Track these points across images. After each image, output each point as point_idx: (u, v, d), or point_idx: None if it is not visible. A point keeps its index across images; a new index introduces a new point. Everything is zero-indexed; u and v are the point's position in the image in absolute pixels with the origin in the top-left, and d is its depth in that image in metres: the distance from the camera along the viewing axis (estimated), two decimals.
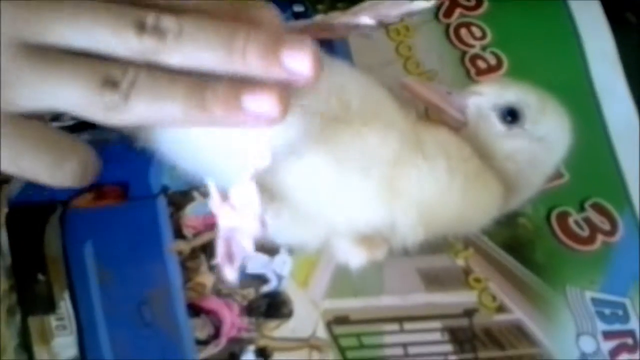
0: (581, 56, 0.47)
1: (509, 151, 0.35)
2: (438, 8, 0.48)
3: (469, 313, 0.38)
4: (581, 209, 0.41)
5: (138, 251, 0.38)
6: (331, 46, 0.40)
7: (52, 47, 0.30)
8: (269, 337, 0.37)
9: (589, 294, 0.39)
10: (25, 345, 0.36)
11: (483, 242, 0.39)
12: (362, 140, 0.33)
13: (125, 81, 0.29)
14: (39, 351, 0.36)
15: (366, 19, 0.36)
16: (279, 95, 0.29)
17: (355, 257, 0.34)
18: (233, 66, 0.29)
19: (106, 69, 0.29)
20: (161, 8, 0.30)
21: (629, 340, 0.38)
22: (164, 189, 0.40)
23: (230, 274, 0.31)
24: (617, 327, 0.38)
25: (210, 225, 0.35)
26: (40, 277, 0.37)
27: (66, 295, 0.36)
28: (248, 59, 0.29)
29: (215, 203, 0.31)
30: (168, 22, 0.29)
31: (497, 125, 0.35)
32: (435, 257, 0.39)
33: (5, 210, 0.38)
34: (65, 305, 0.36)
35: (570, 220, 0.41)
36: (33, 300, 0.36)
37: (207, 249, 0.38)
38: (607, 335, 0.38)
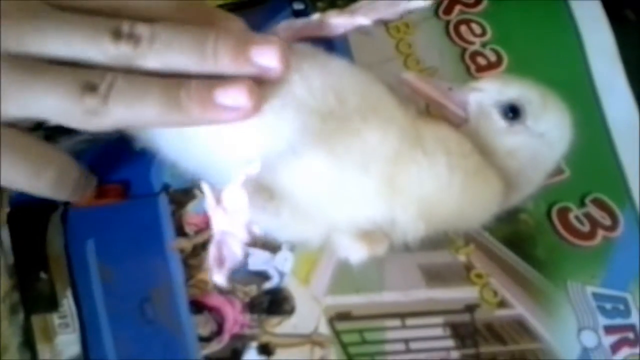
0: (581, 53, 0.47)
1: (510, 147, 0.35)
2: (438, 5, 0.48)
3: (470, 308, 0.38)
4: (582, 204, 0.41)
5: (140, 249, 0.38)
6: (331, 43, 0.40)
7: (34, 56, 0.31)
8: (271, 334, 0.37)
9: (590, 289, 0.39)
10: (28, 343, 0.36)
11: (484, 238, 0.39)
12: (361, 137, 0.33)
13: (104, 85, 0.30)
14: (42, 349, 0.36)
15: (363, 20, 0.36)
16: (249, 87, 0.31)
17: (356, 253, 0.34)
18: (206, 66, 0.31)
19: (85, 76, 0.31)
20: (135, 17, 0.32)
21: (630, 335, 0.38)
22: (165, 187, 0.40)
23: (220, 278, 0.31)
24: (618, 321, 0.38)
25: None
26: (43, 275, 0.37)
27: (69, 293, 0.36)
28: (219, 59, 0.31)
29: (209, 206, 0.32)
30: (142, 28, 0.31)
31: (498, 122, 0.35)
32: (437, 253, 0.39)
33: (7, 209, 0.38)
34: (67, 303, 0.36)
35: (571, 216, 0.41)
36: (36, 299, 0.36)
37: (209, 246, 0.38)
38: (609, 329, 0.38)
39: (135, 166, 0.40)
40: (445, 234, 0.37)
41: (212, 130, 0.34)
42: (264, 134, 0.34)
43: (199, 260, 0.38)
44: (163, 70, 0.32)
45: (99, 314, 0.36)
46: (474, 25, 0.48)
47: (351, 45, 0.45)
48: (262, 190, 0.34)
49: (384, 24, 0.46)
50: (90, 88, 0.31)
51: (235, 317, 0.36)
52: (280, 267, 0.38)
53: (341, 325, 0.37)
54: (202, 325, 0.37)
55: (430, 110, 0.38)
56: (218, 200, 0.32)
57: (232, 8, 0.47)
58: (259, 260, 0.38)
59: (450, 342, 0.37)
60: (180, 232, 0.39)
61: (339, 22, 0.38)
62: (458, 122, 0.37)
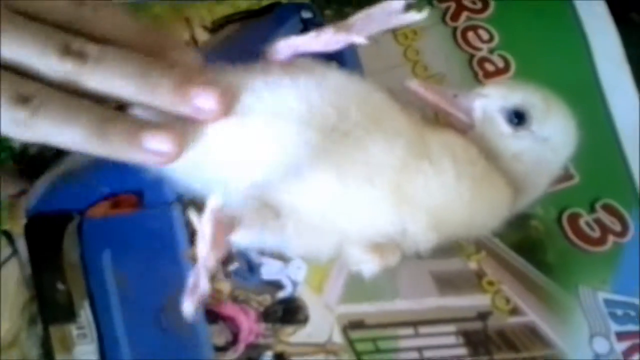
0: (588, 57, 0.47)
1: (516, 152, 0.36)
2: (445, 11, 0.48)
3: (482, 316, 0.38)
4: (592, 210, 0.42)
5: (155, 258, 0.38)
6: (339, 52, 0.40)
7: None
8: (285, 343, 0.37)
9: (601, 295, 0.39)
10: (47, 354, 0.36)
11: (495, 245, 0.40)
12: (366, 149, 0.33)
13: (37, 99, 0.31)
14: None
15: (357, 38, 0.36)
16: (175, 136, 0.31)
17: (368, 265, 0.34)
18: (143, 98, 0.32)
19: (23, 86, 0.31)
20: (92, 36, 0.32)
21: None
22: (179, 197, 0.40)
23: (187, 307, 0.32)
24: (630, 327, 0.39)
25: None
26: (60, 286, 0.37)
27: (86, 303, 0.37)
28: (158, 93, 0.31)
29: (198, 231, 0.32)
30: (91, 48, 0.31)
31: (504, 127, 0.36)
32: (448, 260, 0.39)
33: (23, 220, 0.39)
34: (85, 313, 0.36)
35: (581, 222, 0.41)
36: (54, 310, 0.37)
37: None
38: (620, 336, 0.39)
39: (148, 176, 0.40)
40: (456, 241, 0.38)
41: (217, 149, 0.34)
42: (268, 153, 0.34)
43: (214, 270, 0.38)
44: (102, 93, 0.32)
45: (115, 324, 0.36)
46: (481, 31, 0.48)
47: (359, 52, 0.45)
48: (266, 208, 0.34)
49: (392, 31, 0.47)
50: (23, 100, 0.31)
51: (250, 326, 0.37)
52: (293, 276, 0.38)
53: (355, 334, 0.37)
54: (217, 334, 0.37)
55: (438, 116, 0.38)
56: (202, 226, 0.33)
57: (242, 17, 0.47)
58: (272, 269, 0.38)
59: (463, 350, 0.38)
60: (194, 241, 0.39)
61: (335, 39, 0.38)
62: (464, 128, 0.37)
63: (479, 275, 0.39)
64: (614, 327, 0.39)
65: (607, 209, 0.42)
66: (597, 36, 0.48)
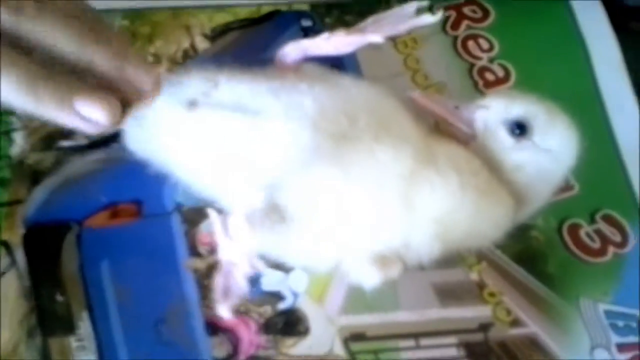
0: (588, 66, 0.47)
1: (518, 163, 0.36)
2: (445, 20, 0.48)
3: (484, 327, 0.38)
4: (592, 220, 0.42)
5: (154, 269, 0.38)
6: (339, 59, 0.40)
7: None
8: (286, 355, 0.37)
9: (602, 307, 0.39)
10: None
11: (496, 256, 0.39)
12: (375, 157, 0.33)
13: None
14: None
15: (374, 37, 0.36)
16: (111, 105, 0.29)
17: (369, 278, 0.34)
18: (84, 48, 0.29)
19: None
20: None
21: None
22: (178, 206, 0.40)
23: (224, 311, 0.32)
24: (630, 339, 0.39)
25: None
26: (59, 297, 0.37)
27: (85, 315, 0.36)
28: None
29: (217, 233, 0.32)
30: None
31: (506, 138, 0.36)
32: (449, 271, 0.39)
33: (21, 230, 0.38)
34: (84, 325, 0.36)
35: (582, 232, 0.41)
36: (53, 322, 0.36)
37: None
38: (621, 347, 0.38)
39: (148, 186, 0.40)
40: (458, 252, 0.37)
41: (226, 152, 0.34)
42: (277, 157, 0.34)
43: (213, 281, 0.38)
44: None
45: (115, 335, 0.36)
46: (481, 41, 0.48)
47: (359, 60, 0.45)
48: (273, 211, 0.34)
49: (392, 39, 0.46)
50: None
51: (250, 338, 0.37)
52: (294, 287, 0.38)
53: (356, 346, 0.37)
54: (218, 346, 0.37)
55: (440, 126, 0.38)
56: (225, 229, 0.32)
57: (242, 25, 0.47)
58: (272, 280, 0.38)
59: None
60: (194, 251, 0.39)
61: (348, 40, 0.38)
62: (466, 140, 0.37)
63: (480, 286, 0.39)
64: (615, 339, 0.39)
65: (607, 219, 0.42)
66: (596, 45, 0.48)
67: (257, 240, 0.32)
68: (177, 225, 0.39)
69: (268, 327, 0.37)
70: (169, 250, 0.39)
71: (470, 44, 0.48)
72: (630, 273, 0.40)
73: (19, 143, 0.41)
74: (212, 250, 0.39)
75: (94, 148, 0.41)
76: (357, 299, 0.38)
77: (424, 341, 0.38)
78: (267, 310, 0.38)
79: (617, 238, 0.41)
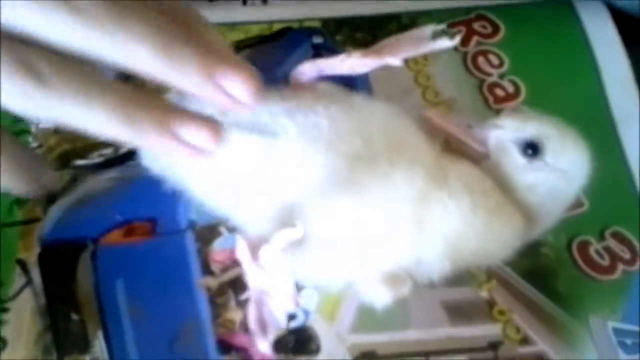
0: (598, 83, 0.47)
1: (530, 183, 0.36)
2: (451, 34, 0.48)
3: (493, 346, 0.38)
4: (601, 237, 0.42)
5: (168, 287, 0.38)
6: (350, 76, 0.40)
7: None
8: None
9: (610, 324, 0.39)
10: None
11: (506, 273, 0.40)
12: (388, 179, 0.34)
13: (47, 68, 0.26)
14: None
15: (391, 60, 0.37)
16: (214, 129, 0.28)
17: (380, 297, 0.34)
18: (164, 69, 0.27)
19: (27, 51, 0.26)
20: None
21: None
22: (191, 224, 0.40)
23: (265, 347, 0.32)
24: (638, 357, 0.39)
25: (237, 260, 0.35)
26: (74, 316, 0.37)
27: (100, 333, 0.37)
28: (185, 68, 0.27)
29: (244, 260, 0.32)
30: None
31: (518, 158, 0.36)
32: (459, 289, 0.39)
33: (37, 249, 0.39)
34: (99, 343, 0.37)
35: (591, 250, 0.41)
36: (68, 340, 0.37)
37: (235, 285, 0.38)
38: None
39: (162, 204, 0.40)
40: (468, 270, 0.38)
41: (241, 172, 0.35)
42: (293, 179, 0.34)
43: (226, 299, 0.38)
44: (119, 59, 0.27)
45: (129, 354, 0.37)
46: (491, 57, 0.48)
47: (370, 77, 0.45)
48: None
49: None
50: (29, 68, 0.26)
51: (262, 357, 0.37)
52: (304, 305, 0.38)
53: None
54: None
55: (451, 144, 0.38)
56: (254, 255, 0.33)
57: (253, 43, 0.48)
58: None
59: None
60: (207, 269, 0.39)
61: (365, 62, 0.38)
62: (478, 159, 0.37)
63: (490, 304, 0.39)
64: (623, 357, 0.39)
65: (617, 236, 0.42)
66: (607, 61, 0.48)
67: (289, 270, 0.32)
68: (190, 243, 0.40)
69: (280, 345, 0.37)
70: (182, 268, 0.39)
71: (480, 60, 0.48)
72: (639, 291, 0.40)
73: None
74: (225, 268, 0.39)
75: (109, 166, 0.41)
76: (367, 317, 0.38)
77: (434, 359, 0.38)
78: None
79: (627, 255, 0.42)
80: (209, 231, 0.40)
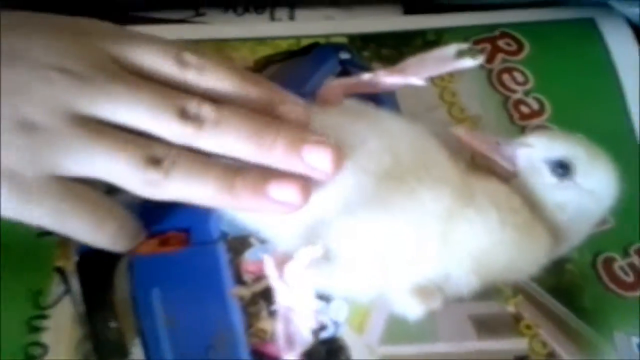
0: (622, 101, 0.48)
1: (560, 202, 0.37)
2: (476, 52, 0.49)
3: None
4: (626, 254, 0.42)
5: (202, 296, 0.39)
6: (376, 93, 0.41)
7: (103, 120, 0.33)
8: None
9: (635, 340, 0.40)
10: None
11: (532, 289, 0.40)
12: (416, 196, 0.34)
13: (167, 161, 0.32)
14: None
15: (415, 80, 0.38)
16: (301, 186, 0.32)
17: (413, 309, 0.35)
18: (261, 157, 0.33)
19: (150, 148, 0.32)
20: (203, 94, 0.33)
21: None
22: (223, 235, 0.41)
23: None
24: None
25: None
26: (113, 324, 0.38)
27: (137, 341, 0.38)
28: (274, 153, 0.33)
29: (271, 276, 0.33)
30: (207, 111, 0.33)
31: (548, 177, 0.37)
32: (486, 303, 0.40)
33: (75, 257, 0.40)
34: (136, 351, 0.38)
35: (616, 266, 0.42)
36: (106, 347, 0.38)
37: (267, 295, 0.39)
38: None
39: (195, 215, 0.41)
40: (494, 285, 0.38)
41: None
42: (321, 194, 0.35)
43: (258, 309, 0.39)
44: (221, 153, 0.33)
45: None
46: (516, 74, 0.49)
47: (396, 93, 0.46)
48: (317, 247, 0.35)
49: None
50: (155, 162, 0.32)
51: None
52: (334, 316, 0.39)
53: None
54: None
55: (477, 161, 0.39)
56: (280, 271, 0.34)
57: (281, 58, 0.49)
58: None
59: None
60: (239, 279, 0.40)
61: (390, 80, 0.39)
62: (507, 176, 0.38)
63: (517, 318, 0.40)
64: None
65: None
66: (630, 80, 0.49)
67: (314, 287, 0.33)
68: (222, 253, 0.41)
69: (311, 355, 0.38)
70: (215, 277, 0.40)
71: (506, 77, 0.49)
72: None
73: None
74: (257, 279, 0.40)
75: None
76: (396, 329, 0.39)
77: None
78: None
79: None
80: (240, 242, 0.41)
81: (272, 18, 0.54)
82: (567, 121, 0.47)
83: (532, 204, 0.37)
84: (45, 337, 0.38)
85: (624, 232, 0.43)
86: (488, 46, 0.51)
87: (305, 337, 0.33)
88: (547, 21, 0.52)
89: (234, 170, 0.33)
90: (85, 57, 0.33)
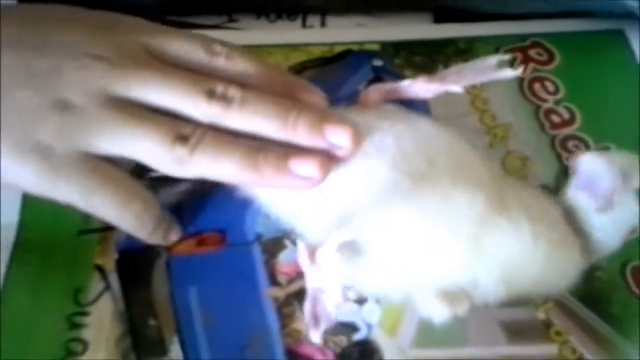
0: None
1: (601, 224, 0.37)
2: (512, 63, 0.50)
3: None
4: None
5: (237, 296, 0.40)
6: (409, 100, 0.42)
7: (135, 102, 0.35)
8: None
9: None
10: None
11: (562, 296, 0.41)
12: (450, 199, 0.35)
13: (194, 138, 0.34)
14: None
15: (455, 88, 0.38)
16: (321, 161, 0.34)
17: (438, 313, 0.36)
18: (285, 135, 0.35)
19: (179, 127, 0.34)
20: (230, 80, 0.35)
21: None
22: (258, 237, 0.42)
23: (316, 336, 0.34)
24: None
25: (302, 272, 0.37)
26: (152, 321, 0.39)
27: (175, 339, 0.39)
28: (298, 131, 0.35)
29: (303, 262, 0.34)
30: (234, 92, 0.35)
31: (589, 199, 0.37)
32: (516, 309, 0.40)
33: (115, 255, 0.41)
34: (175, 349, 0.38)
35: None
36: (146, 344, 0.38)
37: (301, 296, 0.40)
38: None
39: (231, 216, 0.42)
40: (522, 297, 0.39)
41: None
42: (356, 192, 0.36)
43: (292, 309, 0.40)
44: (246, 131, 0.35)
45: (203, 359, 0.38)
46: (547, 83, 0.50)
47: (429, 100, 0.47)
48: (353, 245, 0.36)
49: None
50: (182, 139, 0.34)
51: None
52: (367, 318, 0.40)
53: None
54: None
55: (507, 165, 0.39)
56: (312, 258, 0.35)
57: (316, 64, 0.50)
58: (346, 311, 0.40)
59: None
60: (273, 280, 0.41)
61: (429, 87, 0.40)
62: None
63: (547, 325, 0.40)
64: None
65: None
66: None
67: (343, 269, 0.34)
68: (258, 254, 0.42)
69: (344, 356, 0.39)
70: (251, 278, 0.41)
71: (537, 86, 0.50)
72: None
73: None
74: (291, 280, 0.41)
75: (182, 179, 0.43)
76: (428, 333, 0.39)
77: None
78: (343, 340, 0.39)
79: None
80: (274, 244, 0.42)
81: (304, 25, 0.55)
82: (597, 131, 0.47)
83: (571, 220, 0.37)
84: (86, 334, 0.39)
85: None
86: (520, 55, 0.51)
87: (330, 315, 0.34)
88: (577, 32, 0.53)
89: (257, 148, 0.34)
90: (120, 47, 0.35)
